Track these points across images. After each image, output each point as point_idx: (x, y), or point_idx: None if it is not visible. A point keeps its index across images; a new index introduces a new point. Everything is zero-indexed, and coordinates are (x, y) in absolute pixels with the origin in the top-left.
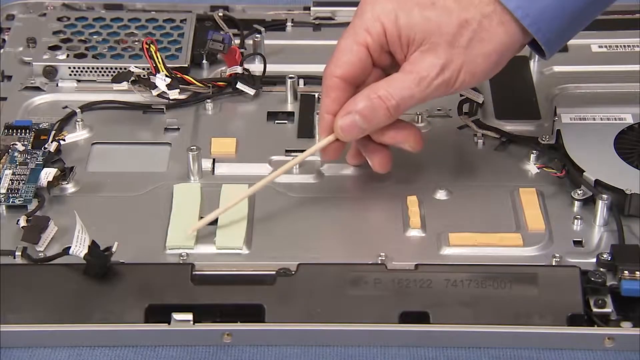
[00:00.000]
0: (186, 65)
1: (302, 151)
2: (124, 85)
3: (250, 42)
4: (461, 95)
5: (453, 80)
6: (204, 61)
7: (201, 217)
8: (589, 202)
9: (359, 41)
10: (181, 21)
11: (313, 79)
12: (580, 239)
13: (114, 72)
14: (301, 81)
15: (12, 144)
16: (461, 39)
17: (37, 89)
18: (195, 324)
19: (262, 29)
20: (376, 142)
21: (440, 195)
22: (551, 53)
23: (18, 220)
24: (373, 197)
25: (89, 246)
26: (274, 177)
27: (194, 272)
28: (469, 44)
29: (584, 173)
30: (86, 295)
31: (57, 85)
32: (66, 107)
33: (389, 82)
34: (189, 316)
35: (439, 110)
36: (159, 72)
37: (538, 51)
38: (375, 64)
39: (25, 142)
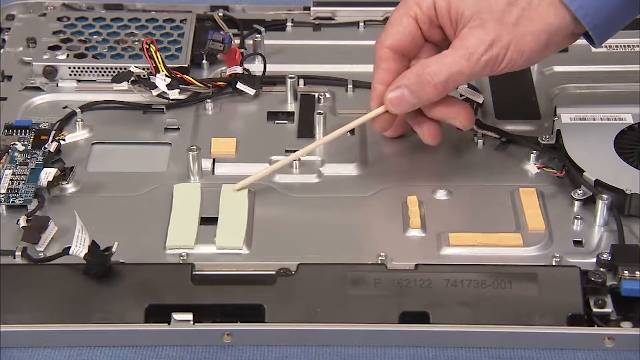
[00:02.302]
0: (186, 65)
1: None
2: (124, 85)
3: (250, 42)
4: (461, 95)
5: (501, 57)
6: (204, 61)
7: (201, 218)
8: (589, 202)
9: (409, 13)
10: (181, 21)
11: (313, 79)
12: (580, 239)
13: (114, 72)
14: (301, 81)
15: (12, 144)
16: (510, 16)
17: (37, 89)
18: (195, 324)
19: (262, 29)
20: (425, 116)
21: (440, 195)
22: (601, 41)
23: (18, 220)
24: (373, 197)
25: (89, 246)
26: (321, 143)
27: (194, 272)
28: (518, 22)
29: (584, 173)
30: (86, 295)
31: (57, 85)
32: (66, 107)
33: (439, 58)
34: (189, 316)
35: None
36: (159, 72)
37: (588, 39)
38: (427, 39)
39: (25, 142)
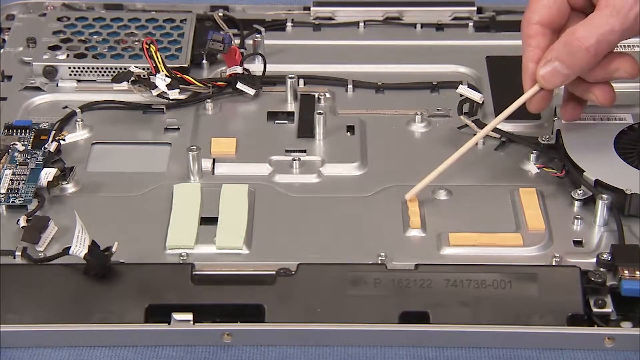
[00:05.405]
0: (186, 65)
1: (302, 151)
2: (124, 85)
3: (250, 42)
4: (461, 95)
5: None
6: (204, 61)
7: (201, 218)
8: (589, 202)
9: None
10: (181, 21)
11: (313, 79)
12: (580, 239)
13: (114, 72)
14: (301, 81)
15: (12, 144)
16: None
17: (37, 89)
18: (195, 324)
19: (262, 29)
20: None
21: (440, 195)
22: None
23: (18, 220)
24: (373, 197)
25: (89, 246)
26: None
27: (194, 272)
28: None
29: (584, 173)
30: (86, 295)
31: (57, 85)
32: (66, 107)
33: (586, 22)
34: (189, 316)
35: (439, 110)
36: (159, 72)
37: None
38: (573, 7)
39: (25, 142)
